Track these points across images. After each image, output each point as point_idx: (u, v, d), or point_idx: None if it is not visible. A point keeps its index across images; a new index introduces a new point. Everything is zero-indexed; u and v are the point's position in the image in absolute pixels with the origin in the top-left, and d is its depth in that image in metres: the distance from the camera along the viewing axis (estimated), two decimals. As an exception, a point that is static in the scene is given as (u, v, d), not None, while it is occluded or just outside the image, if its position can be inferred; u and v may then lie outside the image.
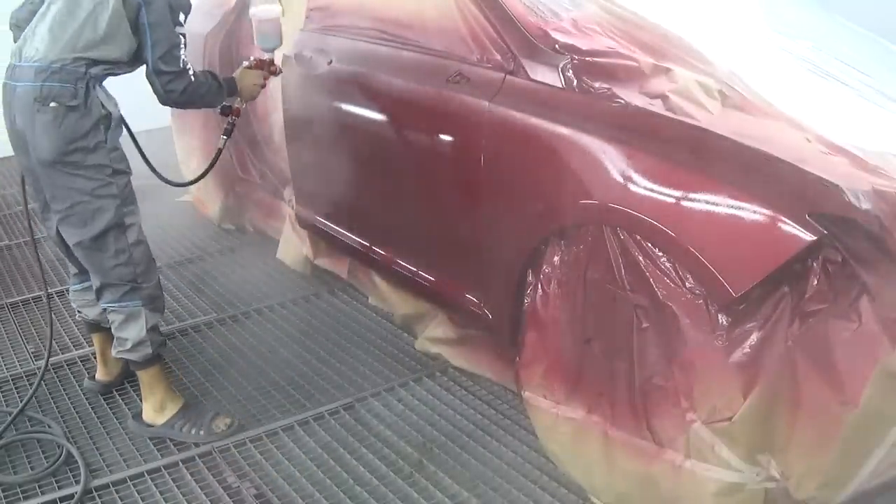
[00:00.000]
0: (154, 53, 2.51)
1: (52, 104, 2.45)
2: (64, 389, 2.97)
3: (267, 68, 2.95)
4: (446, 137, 2.61)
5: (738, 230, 1.87)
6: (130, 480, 2.50)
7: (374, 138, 2.96)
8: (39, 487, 2.48)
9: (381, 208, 3.04)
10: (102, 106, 2.51)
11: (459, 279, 2.74)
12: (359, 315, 3.44)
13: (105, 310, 2.67)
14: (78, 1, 2.54)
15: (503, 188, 2.41)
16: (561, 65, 2.32)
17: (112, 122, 2.55)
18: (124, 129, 2.65)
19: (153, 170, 2.95)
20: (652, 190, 2.00)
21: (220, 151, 2.97)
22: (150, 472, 2.53)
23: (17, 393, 2.96)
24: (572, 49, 2.34)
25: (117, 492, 2.46)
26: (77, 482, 2.48)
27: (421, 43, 2.79)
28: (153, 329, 2.66)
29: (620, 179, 2.06)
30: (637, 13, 2.52)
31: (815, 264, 1.79)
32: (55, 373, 3.08)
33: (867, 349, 1.79)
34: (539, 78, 2.36)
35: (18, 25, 2.72)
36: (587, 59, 2.31)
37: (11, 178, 5.27)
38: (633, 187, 2.04)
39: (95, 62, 2.51)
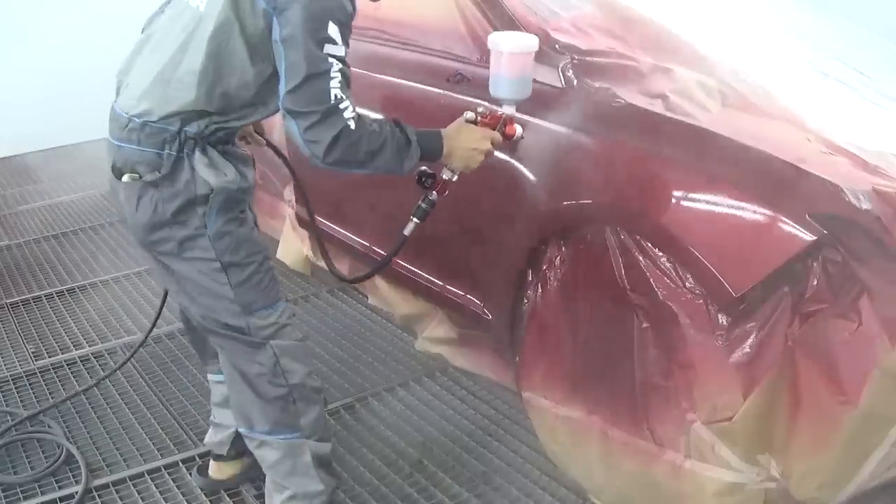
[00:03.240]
0: (285, 85, 1.74)
1: (126, 178, 1.85)
2: (64, 389, 2.97)
3: (500, 128, 2.05)
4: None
5: (738, 230, 1.87)
6: (130, 480, 2.50)
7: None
8: (39, 487, 2.48)
9: (381, 208, 3.03)
10: (199, 182, 1.82)
11: (460, 279, 2.73)
12: (359, 315, 3.43)
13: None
14: (181, 12, 1.85)
15: (503, 188, 2.40)
16: (561, 65, 2.32)
17: (217, 200, 1.84)
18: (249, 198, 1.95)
19: (327, 261, 2.42)
20: (652, 189, 2.00)
21: (405, 240, 2.17)
22: (150, 472, 2.53)
23: (17, 393, 2.96)
24: (572, 49, 2.34)
25: (117, 492, 2.46)
26: (77, 482, 2.48)
27: (421, 43, 2.79)
28: (322, 463, 2.08)
29: (620, 179, 2.06)
30: (637, 13, 2.52)
31: (815, 264, 1.80)
32: (55, 373, 3.08)
33: (867, 349, 1.79)
34: (539, 78, 2.36)
35: None
36: (587, 59, 2.31)
37: (12, 179, 5.27)
38: (632, 187, 2.04)
39: (198, 115, 1.80)
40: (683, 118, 2.06)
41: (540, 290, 2.34)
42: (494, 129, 2.04)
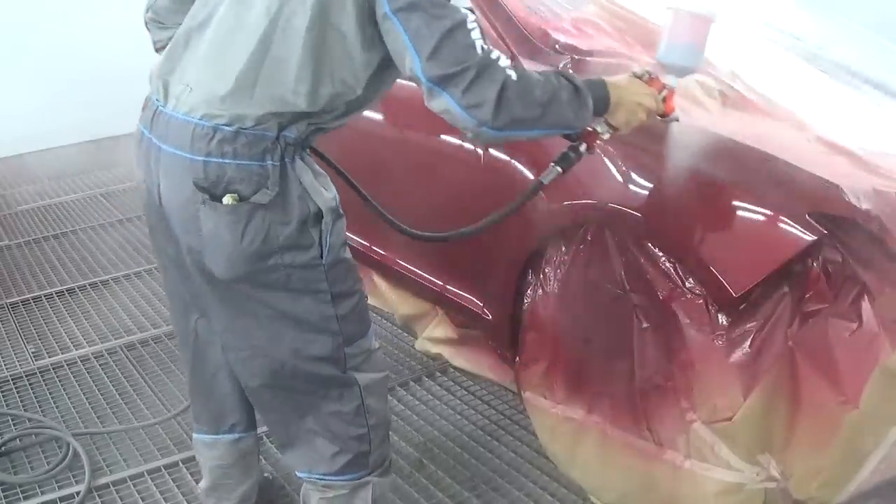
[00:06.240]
0: (419, 56, 1.47)
1: (227, 200, 1.55)
2: (64, 389, 2.97)
3: (660, 100, 1.80)
4: (446, 137, 2.61)
5: (738, 230, 1.87)
6: (130, 480, 2.50)
7: (372, 138, 2.95)
8: (39, 487, 2.48)
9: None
10: (308, 197, 1.60)
11: (460, 279, 2.73)
12: (359, 315, 3.43)
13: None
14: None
15: (503, 187, 2.40)
16: (561, 65, 2.32)
17: (328, 222, 1.62)
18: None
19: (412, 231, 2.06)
20: (651, 190, 2.00)
21: (539, 186, 1.82)
22: (150, 472, 2.53)
23: (17, 393, 2.96)
24: (572, 49, 2.34)
25: (117, 492, 2.46)
26: (77, 482, 2.48)
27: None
28: (380, 497, 1.90)
29: (620, 179, 2.06)
30: (637, 13, 2.52)
31: (815, 264, 1.80)
32: (55, 373, 3.08)
33: (867, 349, 1.79)
34: (539, 78, 2.36)
35: (160, 21, 1.81)
36: (587, 59, 2.31)
37: (12, 179, 5.27)
38: (632, 187, 2.04)
39: (296, 116, 1.56)
40: (682, 118, 2.06)
41: (540, 290, 2.34)
42: (657, 94, 1.80)
